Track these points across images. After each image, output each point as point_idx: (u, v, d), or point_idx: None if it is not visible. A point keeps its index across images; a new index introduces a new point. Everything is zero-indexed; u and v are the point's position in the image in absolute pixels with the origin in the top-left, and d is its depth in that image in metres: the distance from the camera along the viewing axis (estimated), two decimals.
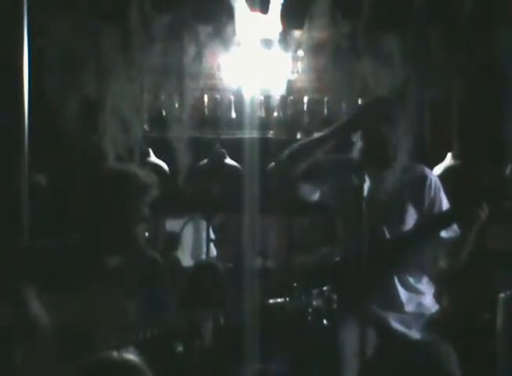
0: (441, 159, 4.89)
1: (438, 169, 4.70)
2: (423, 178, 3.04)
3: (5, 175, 3.72)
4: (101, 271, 2.56)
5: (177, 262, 5.34)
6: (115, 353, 1.90)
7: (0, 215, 3.67)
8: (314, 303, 2.55)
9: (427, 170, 3.11)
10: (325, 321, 2.54)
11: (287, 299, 2.57)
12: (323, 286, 2.65)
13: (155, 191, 2.63)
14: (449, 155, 4.91)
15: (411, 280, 3.00)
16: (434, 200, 3.02)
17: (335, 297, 2.57)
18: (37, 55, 4.03)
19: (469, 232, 2.93)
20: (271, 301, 2.59)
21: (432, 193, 3.03)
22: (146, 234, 2.80)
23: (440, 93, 4.92)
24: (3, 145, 3.72)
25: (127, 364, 1.86)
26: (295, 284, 2.62)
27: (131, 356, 1.91)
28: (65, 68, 4.70)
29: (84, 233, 2.59)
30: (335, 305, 2.55)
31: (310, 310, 2.54)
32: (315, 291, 2.56)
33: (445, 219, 2.97)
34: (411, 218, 3.00)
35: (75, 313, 2.42)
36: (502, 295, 3.64)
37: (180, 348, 2.87)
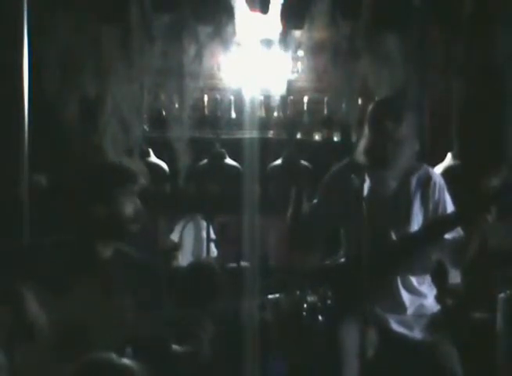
0: (441, 159, 4.89)
1: (438, 169, 4.69)
2: (428, 179, 3.04)
3: (5, 175, 3.72)
4: (93, 266, 2.56)
5: (176, 262, 5.35)
6: (110, 355, 1.89)
7: (0, 214, 3.67)
8: (309, 299, 2.55)
9: (431, 171, 3.11)
10: (320, 317, 2.54)
11: (282, 295, 2.58)
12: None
13: (142, 180, 2.65)
14: (449, 155, 4.91)
15: (414, 282, 2.99)
16: (439, 202, 3.02)
17: (330, 293, 2.57)
18: (37, 55, 4.03)
19: (473, 234, 2.92)
20: (266, 296, 2.60)
21: (437, 194, 3.02)
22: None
23: (440, 93, 4.92)
24: (3, 145, 3.73)
25: (121, 366, 1.85)
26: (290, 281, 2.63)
27: (126, 359, 1.90)
28: (65, 68, 4.70)
29: (73, 225, 2.61)
30: (330, 302, 2.56)
31: (305, 306, 2.55)
32: (309, 288, 2.56)
33: (450, 222, 2.96)
34: (416, 219, 3.00)
35: (71, 312, 2.42)
36: (502, 295, 3.64)
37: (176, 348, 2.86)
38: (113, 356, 1.90)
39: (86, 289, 2.47)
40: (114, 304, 2.50)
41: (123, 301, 2.52)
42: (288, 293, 2.57)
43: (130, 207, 2.60)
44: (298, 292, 2.57)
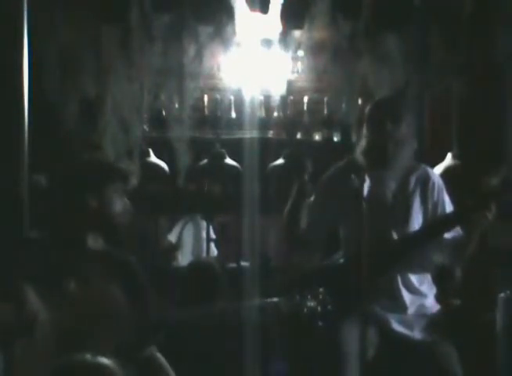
0: (441, 159, 4.89)
1: (438, 169, 4.69)
2: (427, 179, 3.04)
3: (5, 174, 3.72)
4: (84, 258, 2.57)
5: (176, 262, 5.35)
6: (85, 355, 1.88)
7: (0, 214, 3.67)
8: (309, 304, 2.54)
9: (429, 171, 3.11)
10: (320, 323, 2.53)
11: (281, 299, 2.57)
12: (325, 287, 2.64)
13: (133, 181, 2.68)
14: (449, 155, 4.91)
15: (414, 281, 2.99)
16: (438, 202, 3.02)
17: (330, 298, 2.56)
18: (37, 55, 4.03)
19: (473, 233, 2.92)
20: (265, 300, 2.59)
21: (435, 194, 3.02)
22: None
23: (440, 93, 4.92)
24: (3, 145, 3.72)
25: (98, 366, 1.84)
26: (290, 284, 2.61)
27: (104, 359, 1.88)
28: (65, 68, 4.69)
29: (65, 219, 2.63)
30: (330, 307, 2.55)
31: (305, 310, 2.54)
32: (309, 292, 2.55)
33: (450, 222, 2.96)
34: (416, 219, 3.00)
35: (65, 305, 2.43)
36: (502, 295, 3.64)
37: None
38: (88, 356, 1.88)
39: (78, 281, 2.48)
40: (106, 296, 2.51)
41: (114, 295, 2.53)
42: (288, 297, 2.56)
43: (119, 205, 2.63)
44: (298, 297, 2.55)
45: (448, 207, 3.03)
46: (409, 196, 3.01)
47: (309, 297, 2.54)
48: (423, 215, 3.01)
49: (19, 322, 2.31)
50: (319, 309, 2.53)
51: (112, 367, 1.85)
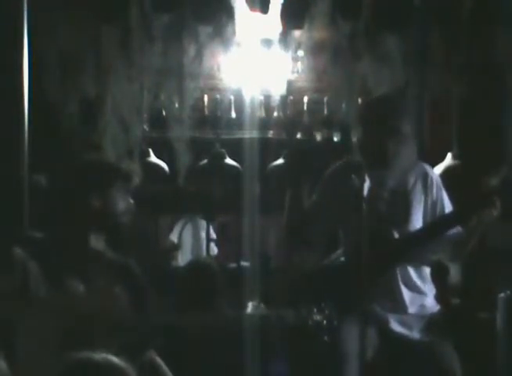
0: (441, 159, 4.89)
1: (438, 169, 4.69)
2: (425, 176, 3.04)
3: (5, 174, 3.72)
4: (86, 257, 2.57)
5: (175, 262, 5.35)
6: (98, 354, 1.87)
7: (0, 214, 3.67)
8: (315, 318, 2.53)
9: (427, 168, 3.11)
10: (325, 338, 2.52)
11: (287, 311, 2.56)
12: (324, 289, 2.64)
13: (135, 180, 2.68)
14: (449, 155, 4.91)
15: (414, 280, 2.99)
16: (437, 200, 3.02)
17: (335, 313, 2.55)
18: (37, 55, 4.03)
19: (473, 232, 2.92)
20: (270, 312, 2.59)
21: (434, 192, 3.02)
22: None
23: (440, 93, 4.92)
24: (3, 144, 3.73)
25: (110, 365, 1.83)
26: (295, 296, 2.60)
27: (113, 357, 1.88)
28: (65, 68, 4.70)
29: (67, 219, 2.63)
30: (336, 322, 2.54)
31: (310, 323, 2.52)
32: (315, 306, 2.54)
33: (450, 222, 2.96)
34: (415, 218, 3.00)
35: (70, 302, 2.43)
36: (502, 295, 3.64)
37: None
38: (104, 355, 1.87)
39: (79, 281, 2.48)
40: (107, 296, 2.51)
41: (114, 296, 2.53)
42: (294, 309, 2.55)
43: (122, 204, 2.64)
44: (304, 310, 2.54)
45: (447, 204, 3.03)
46: (408, 194, 3.01)
47: (315, 310, 2.53)
48: (422, 212, 3.01)
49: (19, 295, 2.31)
50: (324, 323, 2.52)
51: (127, 369, 1.85)
